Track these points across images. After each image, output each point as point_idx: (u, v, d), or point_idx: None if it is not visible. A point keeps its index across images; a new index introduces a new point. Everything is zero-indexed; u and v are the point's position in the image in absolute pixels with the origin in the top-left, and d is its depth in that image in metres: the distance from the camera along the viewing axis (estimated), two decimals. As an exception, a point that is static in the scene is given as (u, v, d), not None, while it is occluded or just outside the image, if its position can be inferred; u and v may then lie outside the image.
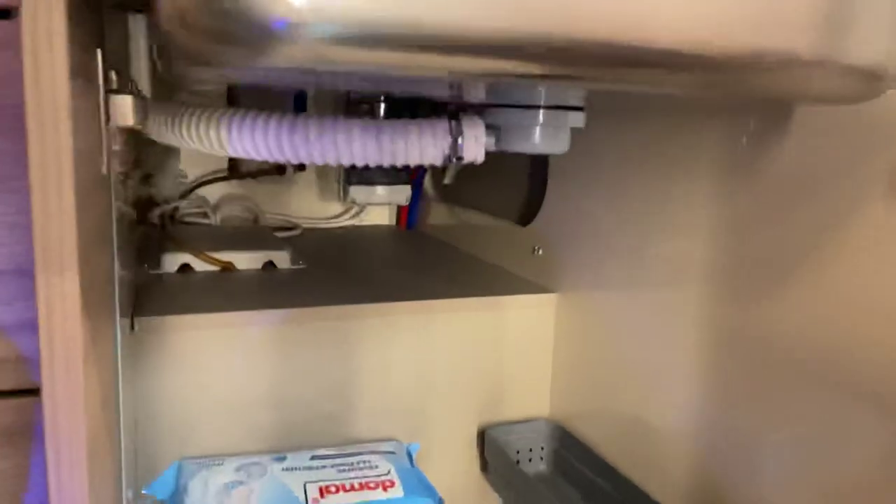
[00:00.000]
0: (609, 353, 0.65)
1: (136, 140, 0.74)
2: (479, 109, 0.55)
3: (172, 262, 0.75)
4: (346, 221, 1.13)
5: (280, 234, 0.99)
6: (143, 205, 0.95)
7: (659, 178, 0.59)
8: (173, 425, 0.61)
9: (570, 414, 0.71)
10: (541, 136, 0.53)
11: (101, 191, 0.39)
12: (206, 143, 0.57)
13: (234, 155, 0.57)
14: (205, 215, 1.00)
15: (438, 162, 0.56)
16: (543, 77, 0.32)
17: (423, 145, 0.54)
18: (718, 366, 0.53)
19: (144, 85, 0.72)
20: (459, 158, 0.55)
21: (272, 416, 0.64)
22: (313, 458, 0.61)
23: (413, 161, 0.55)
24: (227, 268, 0.77)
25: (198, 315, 0.60)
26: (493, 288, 0.74)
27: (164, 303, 0.63)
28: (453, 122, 0.54)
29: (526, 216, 0.79)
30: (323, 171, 1.11)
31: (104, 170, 0.38)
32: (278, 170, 1.02)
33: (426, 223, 1.11)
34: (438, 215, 1.06)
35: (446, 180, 0.55)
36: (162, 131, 0.59)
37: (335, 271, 0.80)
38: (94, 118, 0.37)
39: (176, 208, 1.00)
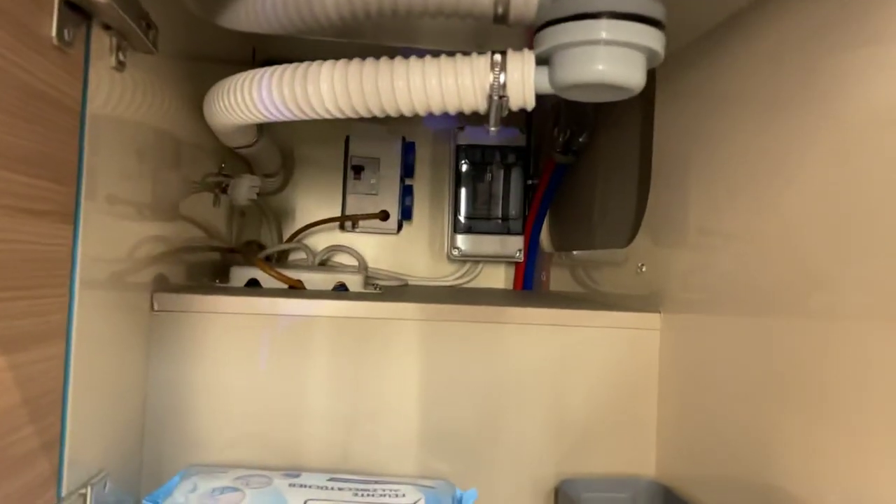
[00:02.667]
0: (734, 397, 0.48)
1: (222, 155, 0.74)
2: (531, 40, 0.46)
3: (240, 276, 0.71)
4: (455, 280, 1.04)
5: (380, 282, 0.93)
6: (251, 248, 0.94)
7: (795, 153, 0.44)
8: (186, 427, 0.53)
9: (682, 474, 0.53)
10: (605, 57, 0.42)
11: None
12: (242, 108, 0.54)
13: (267, 116, 0.53)
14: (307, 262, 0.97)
15: (481, 105, 0.47)
16: None
17: (460, 83, 0.46)
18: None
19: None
20: (503, 98, 0.45)
21: (299, 429, 0.54)
22: (331, 479, 0.50)
23: (451, 105, 0.47)
24: (296, 286, 0.71)
25: (223, 297, 0.54)
26: (581, 305, 0.60)
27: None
28: (496, 56, 0.45)
29: (632, 237, 0.66)
30: (434, 229, 1.05)
31: (54, 40, 0.35)
32: (381, 216, 0.98)
33: (545, 285, 0.99)
34: (558, 275, 0.94)
35: (491, 127, 0.46)
36: (215, 111, 0.58)
37: (415, 298, 0.71)
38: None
39: (285, 252, 0.99)
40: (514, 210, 0.99)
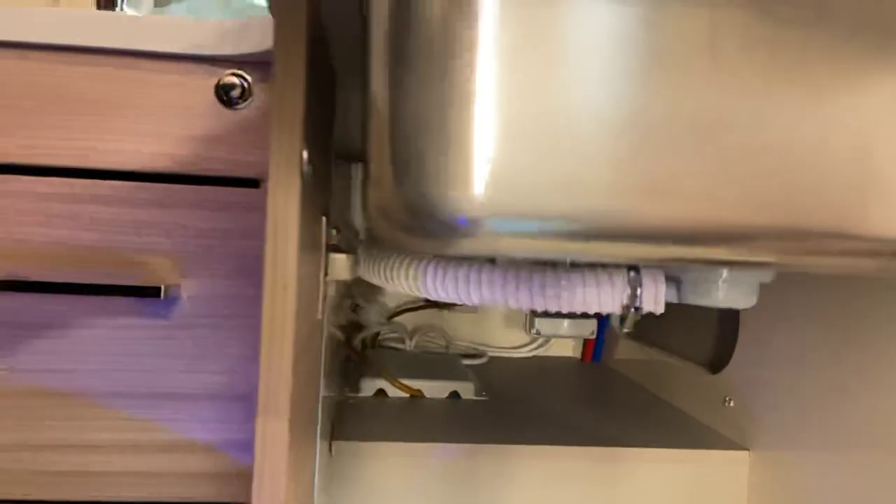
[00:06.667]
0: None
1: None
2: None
3: (369, 386, 0.82)
4: (530, 352, 1.15)
5: (467, 362, 1.03)
6: (350, 328, 1.05)
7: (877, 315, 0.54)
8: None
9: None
10: (724, 291, 0.52)
11: (315, 332, 0.46)
12: (405, 286, 0.64)
13: (427, 296, 0.63)
14: (401, 341, 1.08)
15: (617, 311, 0.57)
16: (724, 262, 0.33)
17: (601, 295, 0.56)
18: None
19: (359, 221, 0.82)
20: (638, 308, 0.55)
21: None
22: None
23: (591, 310, 0.57)
24: (416, 394, 0.82)
25: (391, 443, 0.65)
26: (674, 439, 0.70)
27: (361, 428, 0.69)
28: (632, 273, 0.55)
29: (716, 362, 0.76)
30: (511, 302, 1.15)
31: (319, 315, 0.45)
32: (469, 300, 1.08)
33: (612, 357, 1.09)
34: (625, 350, 1.05)
35: (625, 328, 0.55)
36: (371, 274, 0.68)
37: (517, 405, 0.81)
38: (316, 274, 0.44)
39: (377, 334, 1.10)
40: (587, 293, 1.08)
